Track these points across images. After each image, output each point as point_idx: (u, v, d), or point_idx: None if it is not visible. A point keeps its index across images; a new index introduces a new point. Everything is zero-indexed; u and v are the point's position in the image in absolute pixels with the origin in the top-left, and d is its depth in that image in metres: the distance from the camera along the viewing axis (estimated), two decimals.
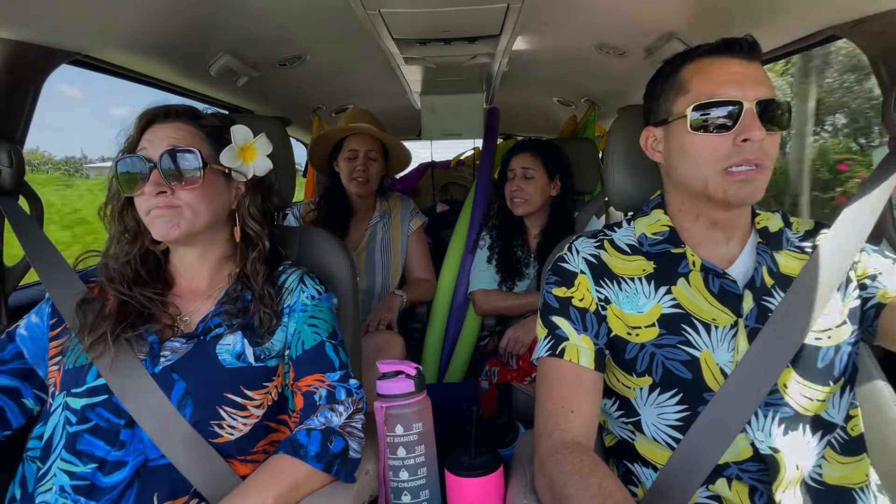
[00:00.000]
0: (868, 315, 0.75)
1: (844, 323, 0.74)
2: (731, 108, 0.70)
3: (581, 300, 0.80)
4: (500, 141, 2.43)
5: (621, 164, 1.00)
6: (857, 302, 0.76)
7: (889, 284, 0.74)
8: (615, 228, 0.88)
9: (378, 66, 1.70)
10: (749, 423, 0.71)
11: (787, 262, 0.78)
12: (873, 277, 0.76)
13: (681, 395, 0.73)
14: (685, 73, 0.76)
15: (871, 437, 0.76)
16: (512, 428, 1.61)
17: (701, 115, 0.72)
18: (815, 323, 0.73)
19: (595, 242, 0.85)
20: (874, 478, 0.75)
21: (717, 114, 0.71)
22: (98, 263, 0.88)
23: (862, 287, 0.76)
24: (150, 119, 0.84)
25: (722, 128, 0.71)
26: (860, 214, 0.79)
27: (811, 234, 0.81)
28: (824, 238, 0.78)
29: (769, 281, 0.76)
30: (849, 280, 0.76)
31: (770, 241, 0.79)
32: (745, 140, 0.70)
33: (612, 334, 0.78)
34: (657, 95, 0.81)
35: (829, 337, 0.73)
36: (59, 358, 0.81)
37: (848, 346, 0.74)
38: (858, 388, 0.80)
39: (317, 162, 1.88)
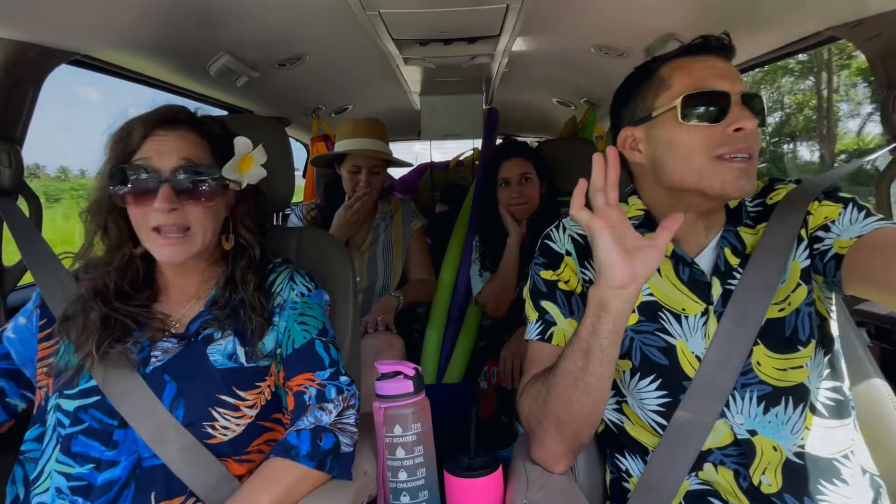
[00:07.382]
0: (829, 267, 0.71)
1: (799, 285, 0.73)
2: (719, 98, 0.70)
3: (567, 283, 0.82)
4: (498, 141, 2.43)
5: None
6: (808, 262, 0.74)
7: (843, 231, 0.71)
8: None
9: (378, 66, 1.70)
10: (728, 407, 0.71)
11: (748, 237, 0.77)
12: (826, 228, 0.72)
13: (660, 380, 0.75)
14: (664, 71, 0.75)
15: (869, 435, 0.76)
16: (511, 429, 1.61)
17: (690, 104, 0.71)
18: (776, 294, 0.72)
19: None
20: (859, 448, 0.73)
21: (707, 103, 0.70)
22: (80, 267, 0.85)
23: (815, 240, 0.73)
24: (154, 125, 0.79)
25: (712, 118, 0.70)
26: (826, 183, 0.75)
27: (768, 202, 0.79)
28: (777, 204, 0.76)
29: (734, 261, 0.76)
30: (799, 239, 0.74)
31: (731, 218, 0.78)
32: (737, 130, 0.69)
33: None
34: (632, 97, 0.79)
35: (789, 304, 0.73)
36: (50, 360, 0.80)
37: (806, 306, 0.73)
38: (855, 385, 0.80)
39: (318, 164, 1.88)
